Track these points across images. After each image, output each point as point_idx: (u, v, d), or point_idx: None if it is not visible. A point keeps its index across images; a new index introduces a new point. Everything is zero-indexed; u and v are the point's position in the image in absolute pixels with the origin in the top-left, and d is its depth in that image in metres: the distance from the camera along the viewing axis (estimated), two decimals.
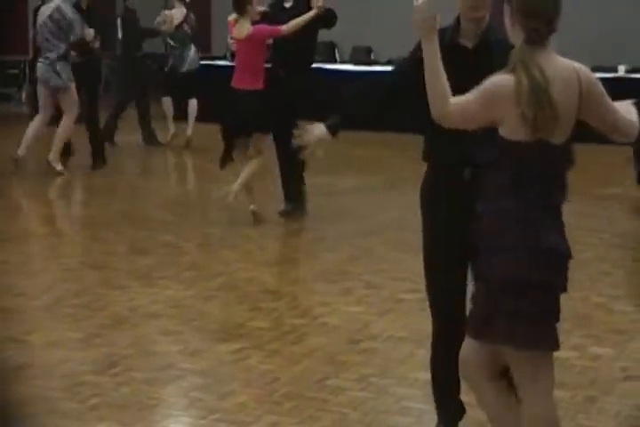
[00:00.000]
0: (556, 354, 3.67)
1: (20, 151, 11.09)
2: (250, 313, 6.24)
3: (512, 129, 3.50)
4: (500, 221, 3.55)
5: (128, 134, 13.58)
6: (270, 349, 5.57)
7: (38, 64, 11.24)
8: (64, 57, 11.07)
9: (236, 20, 8.54)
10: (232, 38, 8.69)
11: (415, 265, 7.54)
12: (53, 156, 11.14)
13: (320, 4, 8.55)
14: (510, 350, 3.57)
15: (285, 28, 8.45)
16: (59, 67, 11.00)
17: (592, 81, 3.57)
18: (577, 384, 5.04)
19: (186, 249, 7.94)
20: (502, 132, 3.53)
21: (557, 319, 3.60)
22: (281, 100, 8.73)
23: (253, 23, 8.50)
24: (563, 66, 3.54)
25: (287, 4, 8.94)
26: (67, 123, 11.23)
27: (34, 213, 9.73)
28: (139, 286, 6.80)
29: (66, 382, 5.03)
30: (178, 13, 13.43)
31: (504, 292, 3.52)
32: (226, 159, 8.61)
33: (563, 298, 3.61)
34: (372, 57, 18.06)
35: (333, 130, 4.22)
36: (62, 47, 11.02)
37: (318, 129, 4.22)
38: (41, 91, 11.33)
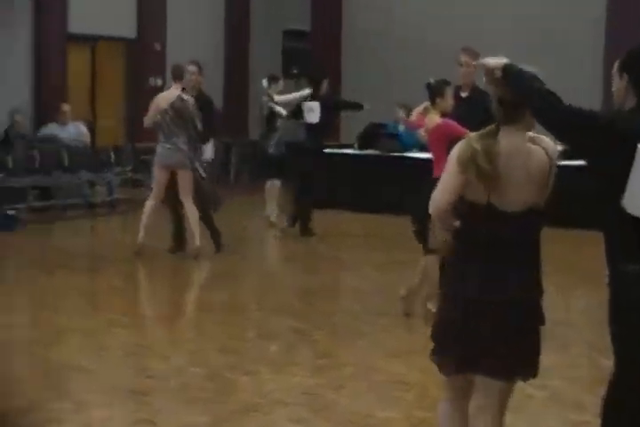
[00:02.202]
0: None
1: (140, 238, 11.16)
2: (379, 403, 6.15)
3: (470, 189, 4.05)
4: None
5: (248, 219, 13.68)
6: None
7: (159, 148, 11.33)
8: (187, 143, 11.18)
9: (426, 111, 8.45)
10: (424, 131, 8.44)
11: (548, 360, 7.37)
12: (198, 241, 11.17)
13: None
14: None
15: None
16: (185, 149, 11.16)
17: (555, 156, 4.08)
18: None
19: (315, 337, 7.89)
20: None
21: None
22: None
23: (443, 114, 8.35)
24: (523, 141, 4.05)
25: (464, 94, 8.80)
26: (189, 206, 11.20)
27: (161, 296, 9.81)
28: (268, 373, 6.77)
29: None
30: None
31: None
32: (425, 246, 8.44)
33: None
34: None
35: None
36: (183, 134, 11.17)
37: None
38: (157, 173, 11.38)
